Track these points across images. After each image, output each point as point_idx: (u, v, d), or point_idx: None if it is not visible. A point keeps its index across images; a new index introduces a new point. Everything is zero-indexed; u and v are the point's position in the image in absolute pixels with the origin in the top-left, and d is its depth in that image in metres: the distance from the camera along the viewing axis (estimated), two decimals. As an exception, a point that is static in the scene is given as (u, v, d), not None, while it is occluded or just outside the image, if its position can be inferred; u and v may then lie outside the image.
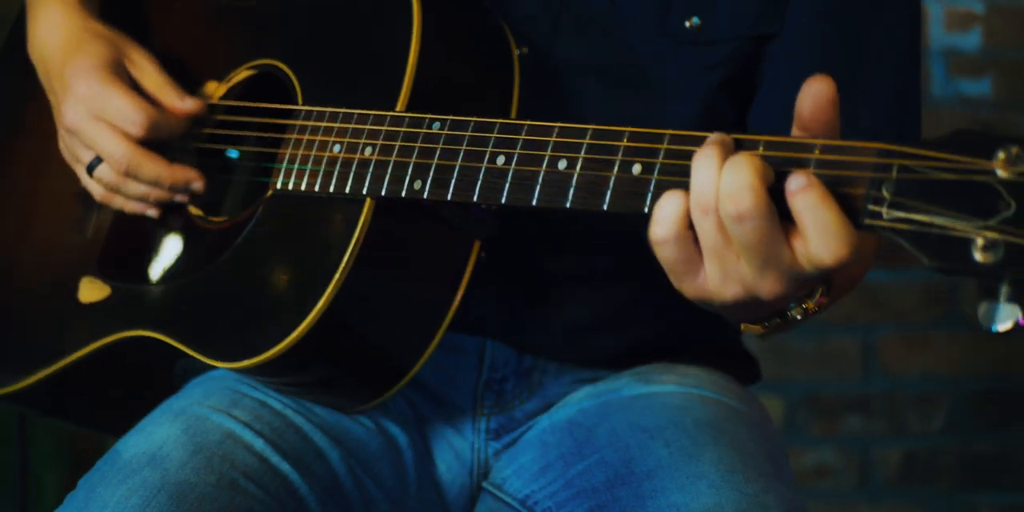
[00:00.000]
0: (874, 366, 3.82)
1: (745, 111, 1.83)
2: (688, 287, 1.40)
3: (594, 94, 1.82)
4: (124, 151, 1.79)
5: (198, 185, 1.83)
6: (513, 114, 1.72)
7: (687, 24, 1.79)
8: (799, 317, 1.45)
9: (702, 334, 1.93)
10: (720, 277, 1.36)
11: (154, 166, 1.80)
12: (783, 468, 1.83)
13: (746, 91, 1.82)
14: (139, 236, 1.90)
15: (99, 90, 1.80)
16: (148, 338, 1.80)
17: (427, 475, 1.88)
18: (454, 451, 1.89)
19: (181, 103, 1.83)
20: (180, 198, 1.84)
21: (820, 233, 1.28)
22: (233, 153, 1.90)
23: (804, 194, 1.28)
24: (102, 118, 1.80)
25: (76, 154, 1.85)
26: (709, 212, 1.33)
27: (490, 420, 1.89)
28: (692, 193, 1.33)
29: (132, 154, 1.79)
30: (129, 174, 1.80)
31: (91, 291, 1.90)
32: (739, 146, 1.35)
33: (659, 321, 1.91)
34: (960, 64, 3.80)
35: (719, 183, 1.31)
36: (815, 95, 1.34)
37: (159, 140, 1.81)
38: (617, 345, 1.91)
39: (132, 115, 1.78)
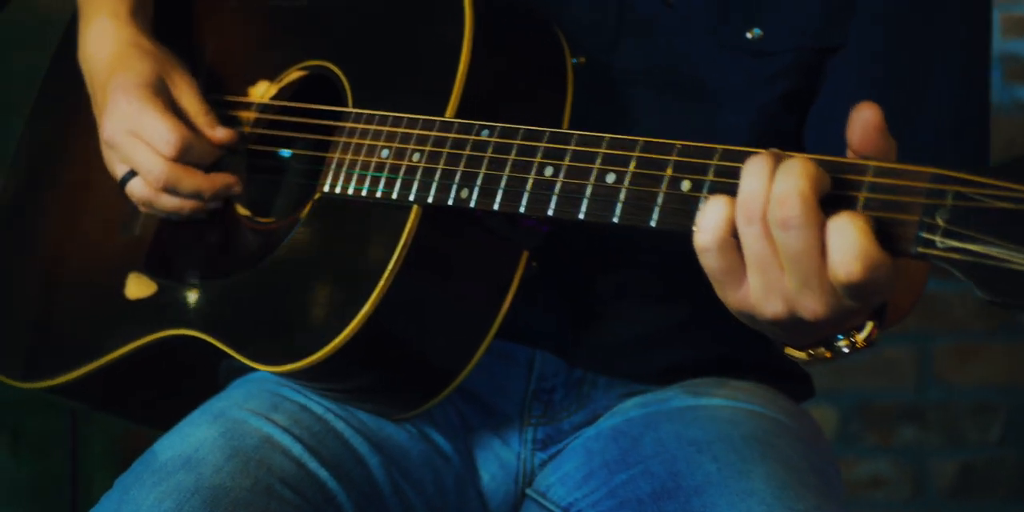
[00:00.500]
0: (929, 376, 3.77)
1: (804, 125, 1.79)
2: (732, 298, 1.37)
3: (649, 104, 1.79)
4: (162, 167, 1.80)
5: (237, 189, 1.85)
6: (565, 125, 1.69)
7: (748, 34, 1.76)
8: (846, 350, 1.41)
9: (753, 351, 1.90)
10: (763, 290, 1.33)
11: (193, 179, 1.82)
12: (833, 485, 1.79)
13: (806, 105, 1.78)
14: (186, 234, 1.90)
15: (138, 107, 1.81)
16: (193, 337, 1.80)
17: (470, 484, 1.86)
18: (499, 461, 1.87)
19: (213, 131, 1.85)
20: (214, 205, 1.85)
21: (839, 246, 1.25)
22: (285, 153, 1.89)
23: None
24: (139, 135, 1.82)
25: (112, 167, 1.87)
26: (755, 220, 1.29)
27: (537, 430, 1.86)
28: (739, 199, 1.30)
29: (170, 169, 1.80)
30: (167, 189, 1.82)
31: (138, 287, 1.90)
32: (792, 161, 1.32)
33: (710, 339, 1.88)
34: (1016, 70, 3.75)
35: (769, 189, 1.28)
36: (863, 123, 1.30)
37: (190, 162, 1.83)
38: (668, 361, 1.88)
39: (167, 135, 1.80)
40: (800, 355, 1.45)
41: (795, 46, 1.75)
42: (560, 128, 1.67)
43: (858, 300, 1.29)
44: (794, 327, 1.36)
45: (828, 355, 1.43)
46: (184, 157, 1.81)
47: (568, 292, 1.84)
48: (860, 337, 1.41)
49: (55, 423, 3.35)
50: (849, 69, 1.75)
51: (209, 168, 1.85)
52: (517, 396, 1.86)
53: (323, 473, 1.70)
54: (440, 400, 1.72)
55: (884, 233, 1.25)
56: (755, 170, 1.30)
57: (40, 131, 2.14)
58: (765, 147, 1.75)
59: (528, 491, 1.87)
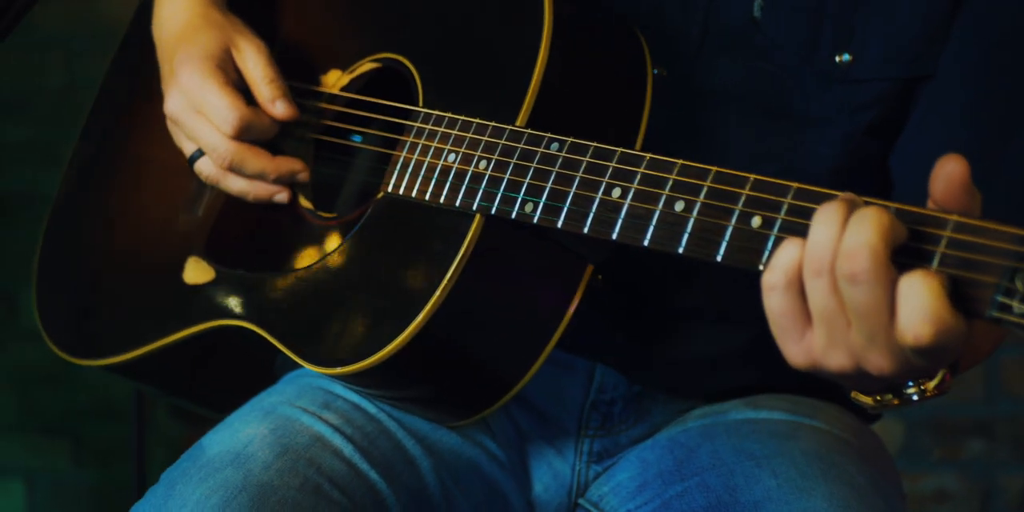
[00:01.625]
0: (997, 388, 3.70)
1: (890, 150, 1.73)
2: (792, 350, 1.31)
3: (729, 123, 1.74)
4: (227, 146, 1.78)
5: (303, 176, 1.81)
6: (640, 137, 1.64)
7: (837, 59, 1.69)
8: (915, 398, 1.36)
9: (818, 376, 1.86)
10: (826, 343, 1.28)
11: (258, 160, 1.79)
12: (895, 505, 1.75)
13: (894, 132, 1.72)
14: (248, 221, 1.88)
15: (200, 82, 1.78)
16: (248, 329, 1.77)
17: (521, 492, 1.84)
18: (553, 472, 1.84)
19: (273, 106, 1.81)
20: (280, 197, 1.81)
21: (909, 307, 1.20)
22: (351, 146, 1.86)
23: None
24: (201, 112, 1.79)
25: (180, 143, 1.85)
26: (823, 272, 1.24)
27: (594, 442, 1.83)
28: (807, 248, 1.25)
29: (236, 149, 1.78)
30: (233, 169, 1.79)
31: (196, 272, 1.88)
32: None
33: (776, 360, 1.83)
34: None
35: (839, 241, 1.23)
36: (947, 177, 1.24)
37: (250, 139, 1.79)
38: (731, 382, 1.84)
39: (226, 113, 1.77)
40: (867, 400, 1.40)
41: (884, 75, 1.69)
42: (634, 140, 1.64)
43: (928, 361, 1.24)
44: (860, 379, 1.31)
45: (896, 402, 1.38)
46: (245, 134, 1.78)
47: (633, 307, 1.80)
48: (931, 385, 1.36)
49: (117, 430, 3.37)
50: (936, 98, 1.68)
51: (276, 151, 1.82)
52: (575, 406, 1.83)
53: (373, 475, 1.68)
54: (494, 410, 1.69)
55: (958, 293, 1.19)
56: (826, 218, 1.25)
57: (110, 105, 2.12)
58: (847, 174, 1.72)
59: (580, 501, 1.84)
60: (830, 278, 1.24)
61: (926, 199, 1.67)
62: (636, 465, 1.79)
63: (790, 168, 1.72)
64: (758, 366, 1.83)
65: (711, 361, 1.82)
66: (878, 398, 1.38)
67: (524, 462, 1.84)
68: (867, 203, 1.27)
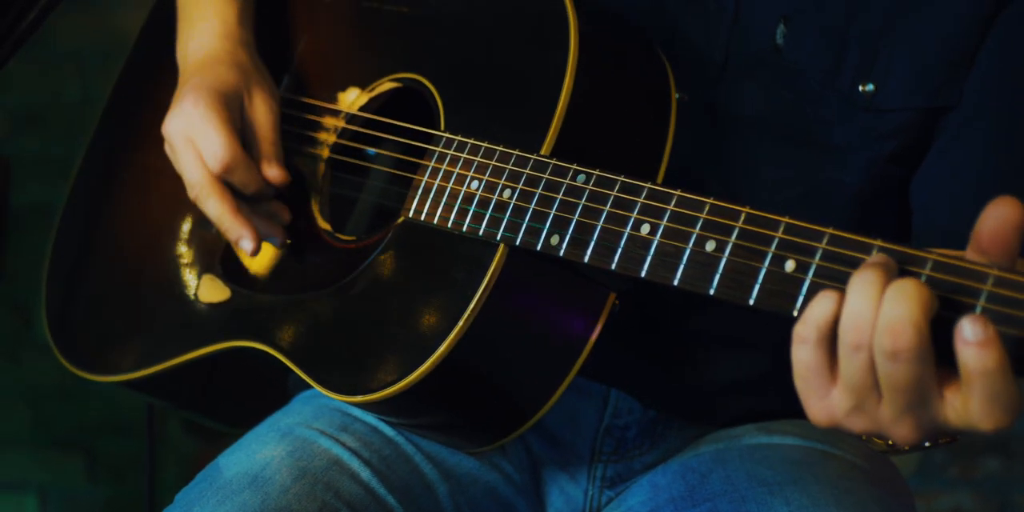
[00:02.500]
0: None
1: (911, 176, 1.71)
2: (815, 406, 1.28)
3: (752, 148, 1.72)
4: (200, 179, 1.74)
5: (247, 246, 1.75)
6: (664, 162, 1.62)
7: (860, 88, 1.67)
8: (927, 444, 1.34)
9: None
10: (851, 409, 1.25)
11: (219, 206, 1.75)
12: None
13: (916, 160, 1.70)
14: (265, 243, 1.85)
15: (202, 113, 1.75)
16: (262, 351, 1.75)
17: (535, 517, 1.82)
18: (566, 496, 1.82)
19: (269, 166, 1.78)
20: (244, 245, 1.76)
21: (986, 399, 1.17)
22: (370, 167, 1.83)
23: (981, 353, 1.15)
24: (193, 142, 1.75)
25: (172, 160, 1.82)
26: (862, 348, 1.21)
27: (607, 468, 1.81)
28: (844, 318, 1.22)
29: (206, 185, 1.74)
30: (197, 202, 1.76)
31: (211, 291, 1.86)
32: (903, 262, 1.23)
33: (790, 388, 1.81)
34: None
35: (877, 314, 1.20)
36: (999, 219, 1.19)
37: (231, 183, 1.76)
38: (747, 410, 1.83)
39: (217, 150, 1.73)
40: (879, 444, 1.38)
41: (908, 105, 1.66)
42: (658, 165, 1.61)
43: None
44: (880, 437, 1.29)
45: (907, 448, 1.36)
46: (228, 176, 1.75)
47: (649, 331, 1.78)
48: (946, 438, 1.34)
49: (131, 445, 3.36)
50: (958, 129, 1.66)
51: (290, 168, 1.80)
52: (589, 431, 1.81)
53: (391, 500, 1.67)
54: (514, 437, 1.67)
55: (1014, 355, 1.16)
56: (863, 288, 1.21)
57: (118, 118, 2.09)
58: (869, 201, 1.69)
59: None
60: (868, 353, 1.21)
61: (941, 229, 1.65)
62: (648, 490, 1.77)
63: (811, 194, 1.71)
64: (775, 392, 1.81)
65: (727, 386, 1.81)
66: (890, 443, 1.36)
67: (538, 486, 1.83)
68: (901, 254, 1.24)
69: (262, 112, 1.81)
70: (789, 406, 1.81)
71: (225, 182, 1.75)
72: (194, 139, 1.75)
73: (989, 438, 3.65)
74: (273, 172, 1.78)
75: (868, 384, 1.22)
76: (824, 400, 1.27)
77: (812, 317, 1.24)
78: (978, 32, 1.64)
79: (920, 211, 1.69)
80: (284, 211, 1.82)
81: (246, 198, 1.78)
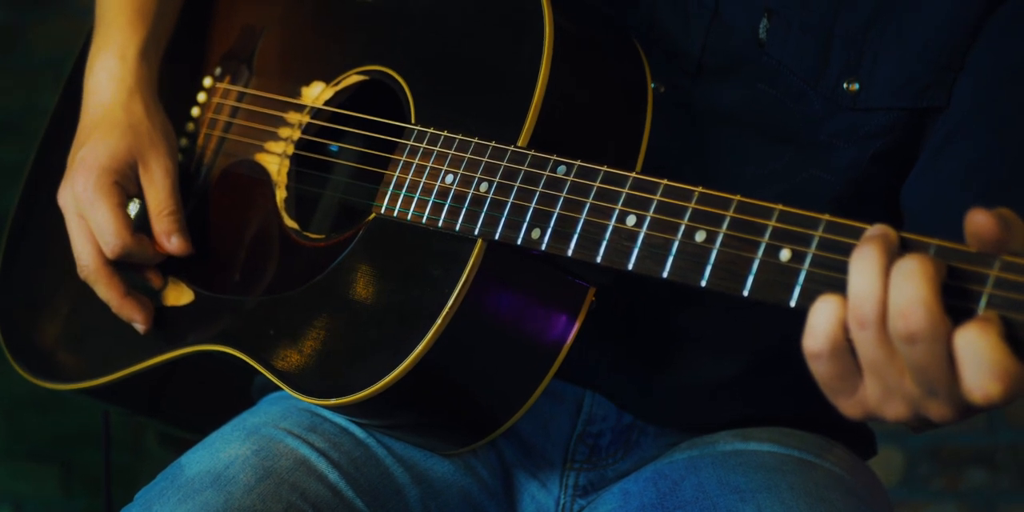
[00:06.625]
0: (999, 417, 3.65)
1: (898, 187, 1.67)
2: (845, 404, 1.25)
3: (730, 143, 1.68)
4: (89, 262, 1.76)
5: (139, 328, 1.78)
6: (641, 153, 1.58)
7: (845, 86, 1.63)
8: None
9: (816, 406, 1.80)
10: (882, 394, 1.22)
11: (107, 292, 1.77)
12: None
13: (904, 163, 1.66)
14: (230, 242, 1.80)
15: (93, 196, 1.74)
16: (230, 354, 1.70)
17: (510, 522, 1.77)
18: (537, 504, 1.78)
19: (167, 240, 1.78)
20: (136, 326, 1.79)
21: (972, 365, 1.14)
22: (336, 163, 1.78)
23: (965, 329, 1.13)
24: (85, 218, 1.76)
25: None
26: (868, 325, 1.18)
27: (579, 476, 1.77)
28: (850, 301, 1.18)
29: (94, 270, 1.76)
30: (87, 281, 1.77)
31: (175, 295, 1.80)
32: (905, 247, 1.20)
33: (773, 392, 1.78)
34: None
35: (883, 292, 1.17)
36: (977, 231, 1.16)
37: (129, 263, 1.77)
38: (723, 413, 1.78)
39: (109, 238, 1.74)
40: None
41: (893, 104, 1.63)
42: (635, 157, 1.57)
43: (995, 408, 1.19)
44: (919, 424, 1.25)
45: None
46: (123, 259, 1.76)
47: (626, 331, 1.74)
48: None
49: (89, 424, 3.35)
50: (950, 130, 1.62)
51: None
52: (562, 438, 1.77)
53: (359, 502, 1.62)
54: (490, 440, 1.63)
55: (1014, 337, 1.14)
56: (865, 267, 1.18)
57: (69, 124, 2.03)
58: (851, 203, 1.66)
59: None
60: (876, 330, 1.18)
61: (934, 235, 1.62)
62: (619, 497, 1.72)
63: (792, 192, 1.66)
64: (752, 397, 1.78)
65: (704, 389, 1.76)
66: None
67: (510, 494, 1.78)
68: (902, 239, 1.21)
69: (159, 178, 1.78)
70: (767, 412, 1.79)
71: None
72: (86, 218, 1.75)
73: (976, 450, 3.64)
74: (174, 245, 1.78)
75: (884, 360, 1.19)
76: (854, 396, 1.24)
77: (819, 328, 1.21)
78: (967, 34, 1.60)
79: (911, 217, 1.65)
80: (157, 279, 1.82)
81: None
